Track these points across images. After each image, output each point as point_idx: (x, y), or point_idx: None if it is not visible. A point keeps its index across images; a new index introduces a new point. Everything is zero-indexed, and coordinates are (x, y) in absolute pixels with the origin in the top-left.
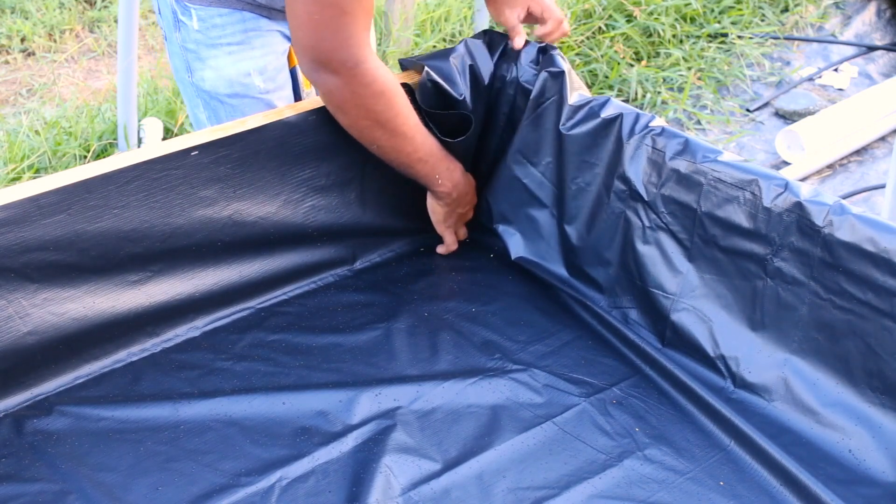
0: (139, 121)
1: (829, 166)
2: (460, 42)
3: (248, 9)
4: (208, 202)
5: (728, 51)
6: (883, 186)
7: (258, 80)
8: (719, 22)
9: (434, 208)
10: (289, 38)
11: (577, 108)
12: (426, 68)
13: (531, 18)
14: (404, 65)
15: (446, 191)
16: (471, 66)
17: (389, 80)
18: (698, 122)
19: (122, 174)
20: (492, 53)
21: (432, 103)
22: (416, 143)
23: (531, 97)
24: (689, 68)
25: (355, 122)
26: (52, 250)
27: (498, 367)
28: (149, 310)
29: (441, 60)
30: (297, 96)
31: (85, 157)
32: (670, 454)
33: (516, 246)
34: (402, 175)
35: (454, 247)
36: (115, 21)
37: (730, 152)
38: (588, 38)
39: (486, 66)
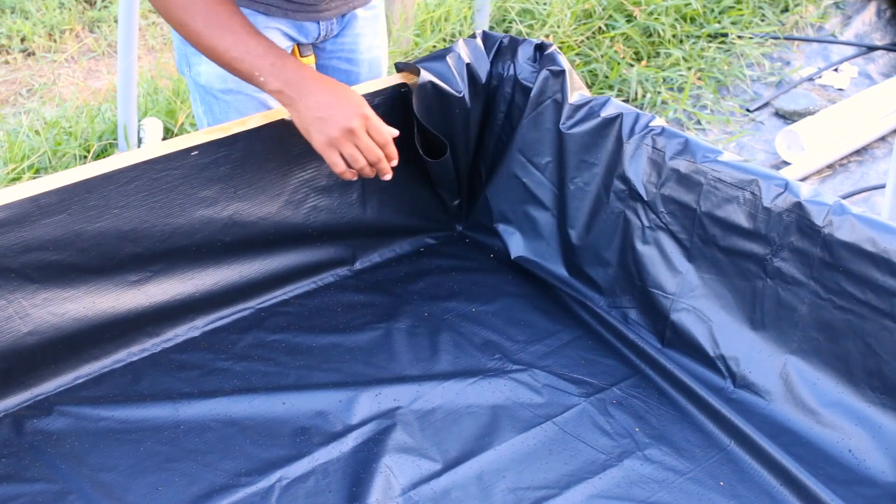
0: (139, 121)
1: (829, 166)
2: (455, 42)
3: (245, 5)
4: (208, 202)
5: (728, 51)
6: (883, 186)
7: None
8: (719, 22)
9: (295, 123)
10: (290, 38)
11: (578, 107)
12: (422, 70)
13: None
14: (399, 67)
15: (274, 89)
16: (468, 65)
17: None
18: (698, 122)
19: (122, 174)
20: (488, 52)
21: (431, 104)
22: (225, 43)
23: (531, 95)
24: (689, 68)
25: (165, 16)
26: (52, 250)
27: (498, 367)
28: (149, 310)
29: (437, 62)
30: None
31: (85, 157)
32: (670, 454)
33: (516, 245)
34: (402, 175)
35: (338, 170)
36: (115, 21)
37: (730, 152)
38: (588, 38)
39: (483, 65)
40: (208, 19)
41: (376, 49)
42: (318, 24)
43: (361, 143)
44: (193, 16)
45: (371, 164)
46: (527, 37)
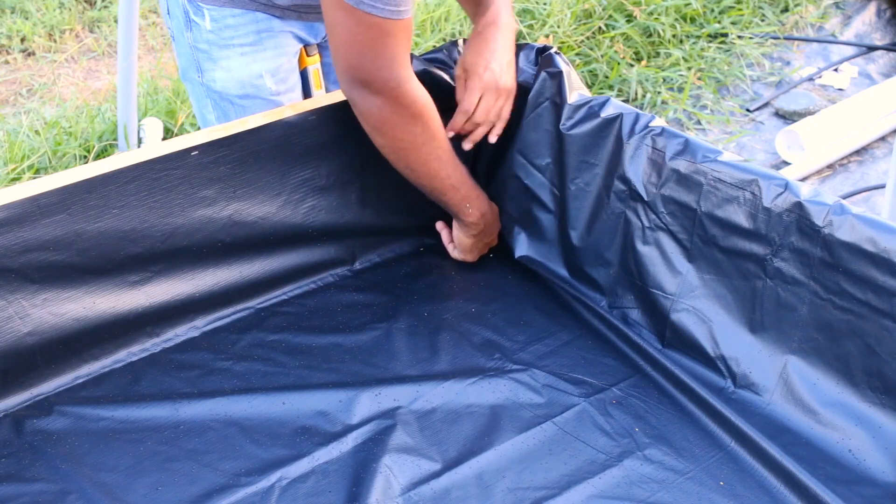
0: (139, 121)
1: (829, 166)
2: (451, 42)
3: (262, 9)
4: (208, 202)
5: (728, 51)
6: (883, 186)
7: (270, 81)
8: (719, 22)
9: (461, 239)
10: (301, 40)
11: (577, 107)
12: (416, 60)
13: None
14: None
15: (475, 220)
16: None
17: (428, 103)
18: (698, 122)
19: (122, 174)
20: None
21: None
22: (449, 168)
23: (529, 97)
24: (689, 68)
25: (392, 143)
26: (52, 250)
27: (498, 367)
28: (149, 310)
29: (434, 54)
30: (308, 98)
31: (85, 157)
32: (670, 454)
33: (519, 245)
34: (402, 175)
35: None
36: (115, 21)
37: (730, 152)
38: (588, 38)
39: None
40: (440, 140)
41: None
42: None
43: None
44: (429, 137)
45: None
46: (526, 37)
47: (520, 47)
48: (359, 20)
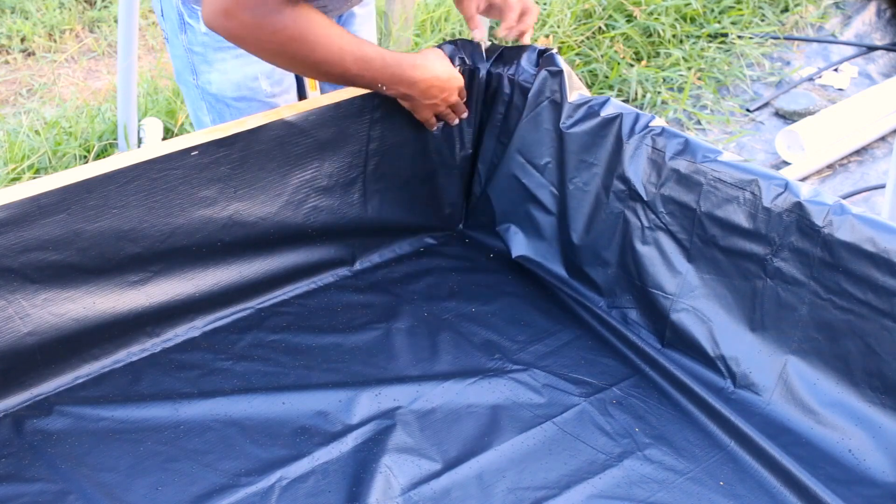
0: (139, 121)
1: (829, 166)
2: (452, 41)
3: None
4: (208, 202)
5: (728, 51)
6: (883, 186)
7: (265, 83)
8: (719, 22)
9: (408, 108)
10: None
11: (577, 106)
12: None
13: (493, 12)
14: None
15: (399, 93)
16: (467, 64)
17: (303, 25)
18: (698, 122)
19: (122, 174)
20: (488, 55)
21: None
22: (344, 65)
23: (529, 95)
24: (689, 68)
25: (267, 59)
26: (52, 250)
27: (498, 367)
28: (149, 310)
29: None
30: (303, 98)
31: (85, 157)
32: (670, 454)
33: (517, 245)
34: (403, 175)
35: (431, 127)
36: (115, 21)
37: (730, 152)
38: (588, 38)
39: (481, 64)
40: (326, 45)
41: None
42: None
43: (457, 109)
44: (313, 47)
45: (456, 115)
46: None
47: (520, 49)
48: None
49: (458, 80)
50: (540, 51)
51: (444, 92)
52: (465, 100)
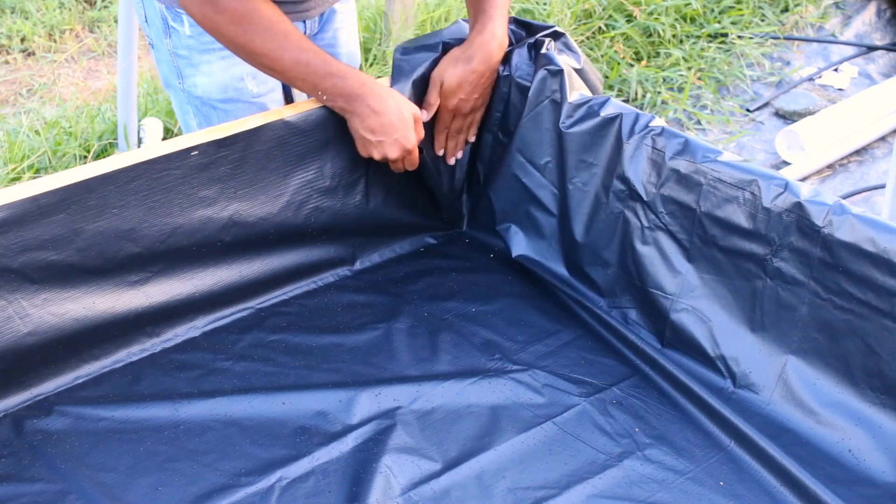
0: (139, 121)
1: (829, 166)
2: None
3: None
4: (208, 202)
5: (728, 51)
6: (883, 186)
7: (251, 84)
8: (719, 22)
9: (348, 126)
10: None
11: (577, 106)
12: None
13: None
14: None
15: (336, 107)
16: None
17: (247, 11)
18: (698, 122)
19: (122, 174)
20: None
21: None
22: (283, 63)
23: (529, 95)
24: (689, 68)
25: (220, 42)
26: (52, 250)
27: (498, 367)
28: (149, 310)
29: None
30: (289, 98)
31: (85, 157)
32: (670, 454)
33: (517, 244)
34: (403, 175)
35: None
36: (115, 21)
37: (730, 152)
38: (588, 38)
39: None
40: (266, 38)
41: (353, 42)
42: (304, 23)
43: (395, 166)
44: (252, 36)
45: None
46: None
47: (517, 45)
48: None
49: (412, 129)
50: (530, 44)
51: (387, 128)
52: (416, 166)
